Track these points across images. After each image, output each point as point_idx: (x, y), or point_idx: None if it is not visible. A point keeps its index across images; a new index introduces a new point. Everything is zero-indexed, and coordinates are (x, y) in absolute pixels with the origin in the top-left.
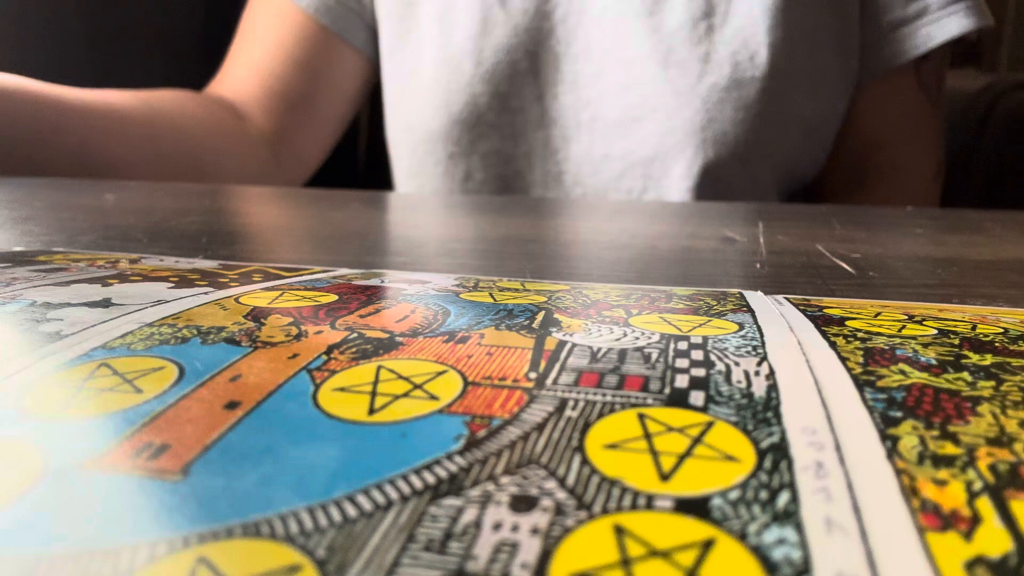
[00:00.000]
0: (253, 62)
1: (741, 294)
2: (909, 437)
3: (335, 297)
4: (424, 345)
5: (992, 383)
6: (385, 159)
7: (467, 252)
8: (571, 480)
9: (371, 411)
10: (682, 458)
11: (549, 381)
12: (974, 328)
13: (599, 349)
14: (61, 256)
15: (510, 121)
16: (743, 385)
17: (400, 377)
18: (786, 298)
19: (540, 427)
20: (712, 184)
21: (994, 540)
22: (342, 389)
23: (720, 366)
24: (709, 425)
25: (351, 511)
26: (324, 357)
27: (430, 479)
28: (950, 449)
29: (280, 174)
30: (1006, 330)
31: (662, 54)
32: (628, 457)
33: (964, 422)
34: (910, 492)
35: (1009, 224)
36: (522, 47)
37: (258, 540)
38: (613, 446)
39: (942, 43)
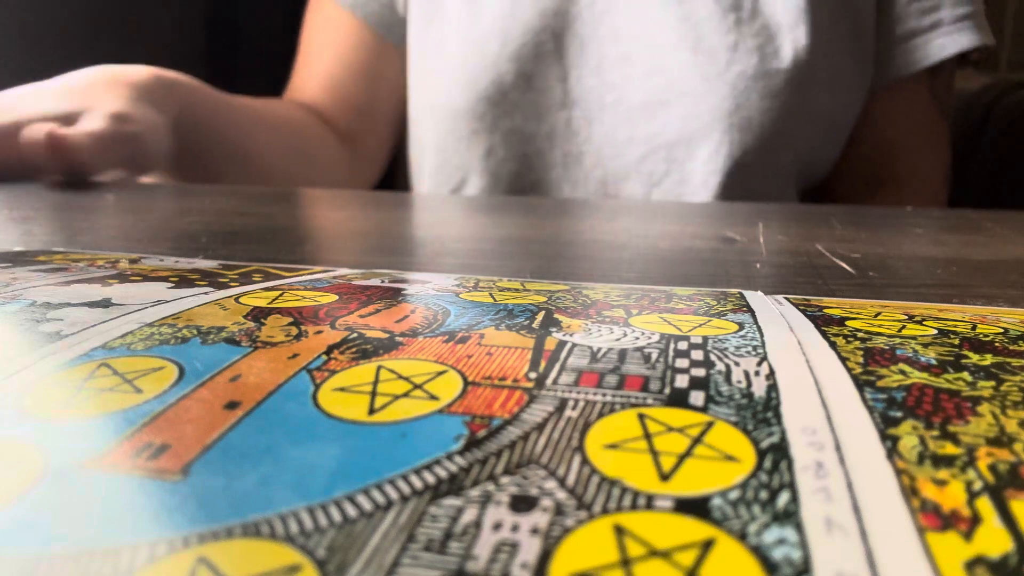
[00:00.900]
0: (319, 74)
1: (741, 294)
2: (909, 437)
3: (335, 297)
4: (424, 345)
5: (992, 383)
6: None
7: (467, 252)
8: (571, 480)
9: (371, 411)
10: (682, 458)
11: (549, 381)
12: (974, 328)
13: (599, 349)
14: (61, 256)
15: (533, 100)
16: (743, 385)
17: (400, 377)
18: (786, 298)
19: (540, 427)
20: (737, 170)
21: (994, 540)
22: (342, 389)
23: (720, 366)
24: (709, 425)
25: (351, 511)
26: (324, 357)
27: (430, 479)
28: (950, 449)
29: (356, 176)
30: (1006, 330)
31: (692, 41)
32: (628, 457)
33: (964, 422)
34: (910, 492)
35: (1009, 224)
36: (548, 29)
37: (258, 540)
38: (613, 446)
39: (954, 55)
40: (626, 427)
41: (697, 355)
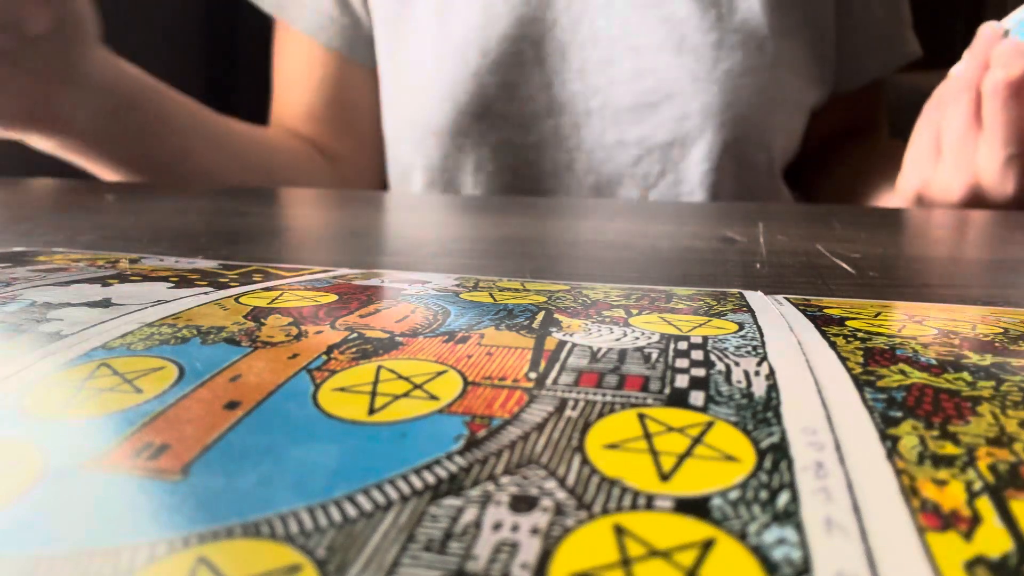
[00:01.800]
0: (293, 103)
1: (741, 294)
2: (909, 437)
3: (335, 297)
4: (424, 345)
5: (992, 383)
6: None
7: (467, 252)
8: (571, 480)
9: (371, 411)
10: (682, 458)
11: (549, 381)
12: (974, 328)
13: (599, 349)
14: (61, 256)
15: (519, 111)
16: (743, 385)
17: (400, 377)
18: (786, 298)
19: (540, 427)
20: (730, 166)
21: (994, 540)
22: (342, 389)
23: (720, 366)
24: (709, 425)
25: (351, 511)
26: (324, 357)
27: (430, 479)
28: (950, 449)
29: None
30: (1006, 330)
31: (675, 41)
32: (628, 457)
33: (964, 422)
34: (910, 492)
35: (1009, 224)
36: (527, 37)
37: (258, 540)
38: (613, 446)
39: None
40: (626, 427)
41: (697, 355)
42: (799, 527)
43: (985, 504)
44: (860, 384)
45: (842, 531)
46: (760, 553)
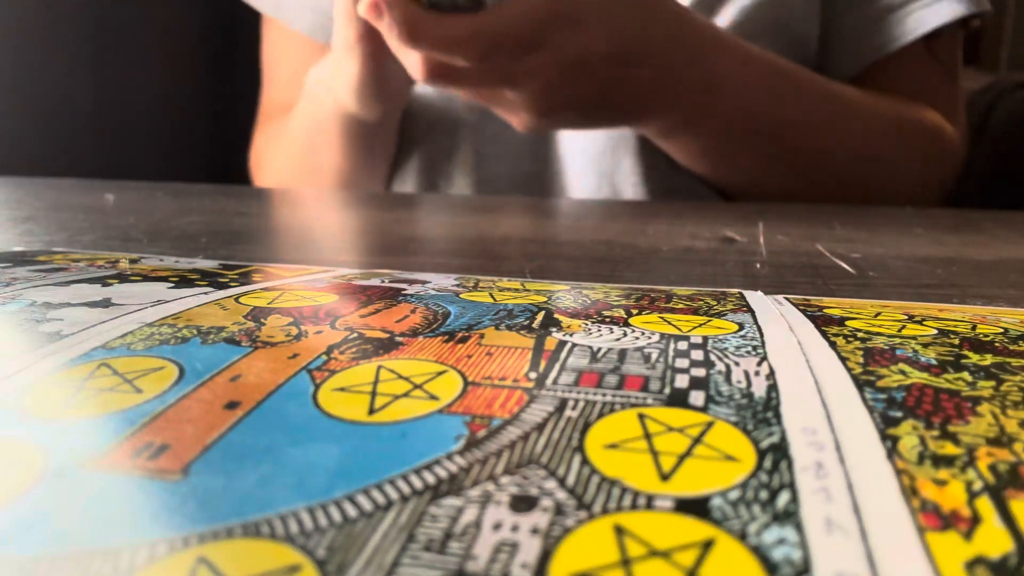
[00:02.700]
0: (291, 101)
1: (741, 294)
2: (909, 437)
3: (335, 297)
4: (424, 345)
5: (992, 383)
6: None
7: (467, 252)
8: (571, 480)
9: (371, 411)
10: (682, 458)
11: (549, 381)
12: (974, 328)
13: (599, 349)
14: (61, 256)
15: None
16: (743, 385)
17: (400, 377)
18: (786, 298)
19: (540, 427)
20: (661, 179)
21: (994, 540)
22: (342, 389)
23: (720, 366)
24: (709, 425)
25: (351, 511)
26: (324, 357)
27: (430, 479)
28: (950, 449)
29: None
30: (1006, 330)
31: None
32: (628, 457)
33: (964, 422)
34: (910, 492)
35: (1009, 224)
36: None
37: (258, 540)
38: (613, 446)
39: (945, 24)
40: (626, 427)
41: (697, 355)
42: (799, 527)
43: (985, 504)
44: (860, 384)
45: (842, 531)
46: (760, 553)
